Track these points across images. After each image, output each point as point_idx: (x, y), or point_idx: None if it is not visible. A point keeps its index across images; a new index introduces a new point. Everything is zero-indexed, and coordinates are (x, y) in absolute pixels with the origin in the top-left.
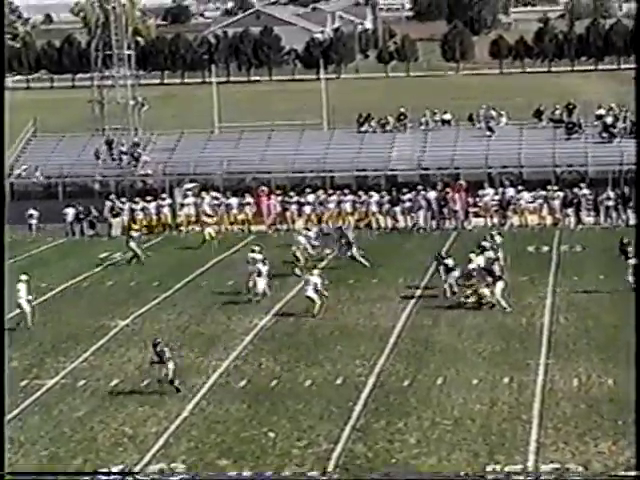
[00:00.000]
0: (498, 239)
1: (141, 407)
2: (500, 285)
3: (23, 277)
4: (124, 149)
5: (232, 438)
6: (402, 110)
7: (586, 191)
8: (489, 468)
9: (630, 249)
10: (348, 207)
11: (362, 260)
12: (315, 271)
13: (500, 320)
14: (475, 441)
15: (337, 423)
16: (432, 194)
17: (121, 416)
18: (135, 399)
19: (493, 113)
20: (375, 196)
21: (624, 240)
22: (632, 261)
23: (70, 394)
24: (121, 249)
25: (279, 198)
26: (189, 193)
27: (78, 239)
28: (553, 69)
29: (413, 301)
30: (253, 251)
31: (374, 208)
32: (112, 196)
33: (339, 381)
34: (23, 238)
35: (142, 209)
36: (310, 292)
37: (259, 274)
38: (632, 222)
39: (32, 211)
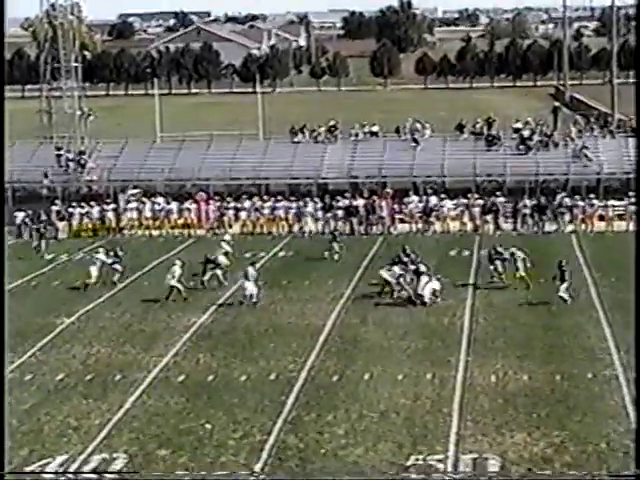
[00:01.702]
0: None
1: (85, 400)
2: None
3: None
4: (70, 156)
5: (171, 429)
6: (333, 122)
7: (503, 199)
8: (412, 458)
9: (566, 269)
10: (281, 213)
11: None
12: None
13: (423, 320)
14: (399, 433)
15: (270, 416)
16: (360, 201)
17: (66, 408)
18: (79, 392)
19: (418, 126)
20: (310, 204)
21: (562, 262)
22: (565, 285)
23: (17, 387)
24: (67, 251)
25: (217, 204)
26: (132, 198)
27: (27, 241)
28: (474, 85)
29: (342, 301)
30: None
31: (308, 212)
32: (58, 201)
33: (272, 376)
34: None
35: (87, 213)
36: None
37: (247, 277)
38: (547, 229)
39: None
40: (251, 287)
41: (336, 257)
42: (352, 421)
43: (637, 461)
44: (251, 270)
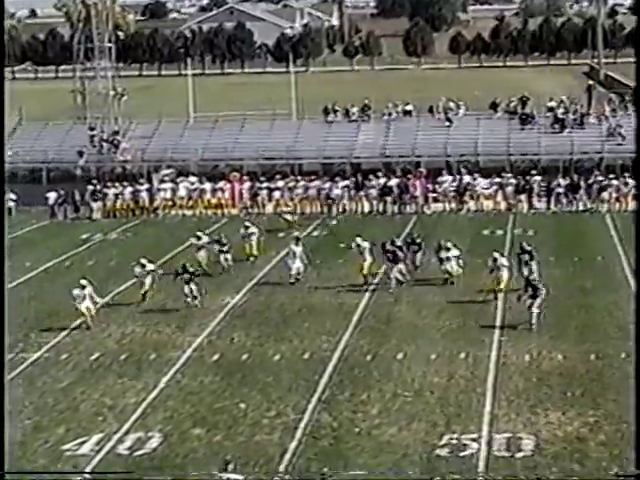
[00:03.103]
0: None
1: (120, 379)
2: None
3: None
4: (104, 137)
5: (206, 408)
6: (366, 101)
7: (538, 178)
8: (446, 437)
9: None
10: (314, 192)
11: None
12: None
13: (458, 299)
14: (433, 412)
15: (304, 395)
16: (394, 180)
17: (101, 387)
18: (114, 372)
19: (452, 105)
20: (341, 182)
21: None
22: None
23: (53, 367)
24: (102, 231)
25: (250, 184)
26: (166, 178)
27: (61, 221)
28: (508, 64)
29: (376, 280)
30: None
31: (339, 193)
32: (94, 181)
33: (306, 355)
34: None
35: (121, 193)
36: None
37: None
38: (581, 208)
39: (11, 195)
40: (297, 264)
41: None
42: (386, 400)
43: (637, 461)
44: (296, 247)
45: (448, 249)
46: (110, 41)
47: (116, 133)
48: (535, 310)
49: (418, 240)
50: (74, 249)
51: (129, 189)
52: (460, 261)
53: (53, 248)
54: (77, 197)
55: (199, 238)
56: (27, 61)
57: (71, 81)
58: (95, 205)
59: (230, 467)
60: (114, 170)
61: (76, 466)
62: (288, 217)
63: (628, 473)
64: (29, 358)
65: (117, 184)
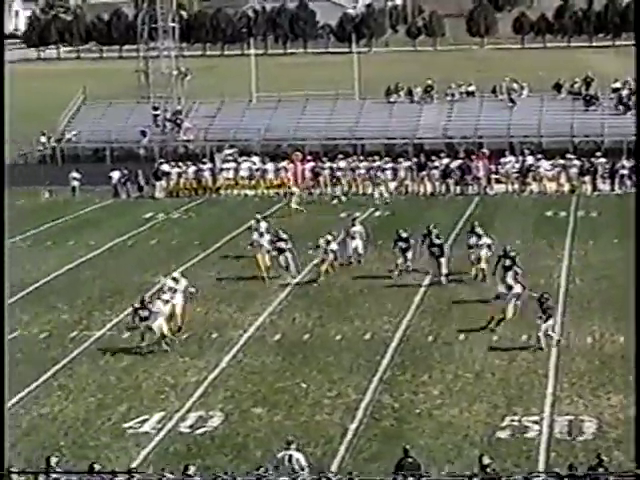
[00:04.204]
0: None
1: (182, 358)
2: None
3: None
4: (167, 116)
5: (267, 388)
6: (429, 82)
7: (602, 160)
8: (507, 419)
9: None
10: (377, 173)
11: None
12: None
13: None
14: (495, 393)
15: (365, 375)
16: (456, 161)
17: (163, 366)
18: (176, 350)
19: (515, 85)
20: (404, 162)
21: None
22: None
23: (116, 345)
24: (164, 210)
25: (312, 164)
26: (229, 158)
27: (124, 200)
28: (572, 44)
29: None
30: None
31: (402, 174)
32: (161, 160)
33: (367, 336)
34: (69, 199)
35: (184, 173)
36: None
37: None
38: None
39: (75, 174)
40: (356, 244)
41: None
42: (447, 381)
43: (637, 461)
44: (357, 228)
45: (479, 236)
46: (174, 21)
47: (179, 113)
48: (552, 334)
49: (404, 235)
50: (137, 228)
51: (192, 168)
52: (490, 251)
53: (116, 227)
54: (140, 176)
55: (258, 221)
56: (91, 41)
57: (135, 61)
58: (158, 184)
59: (292, 447)
60: (177, 149)
61: (138, 444)
62: (294, 204)
63: (628, 473)
64: (92, 336)
65: (180, 163)
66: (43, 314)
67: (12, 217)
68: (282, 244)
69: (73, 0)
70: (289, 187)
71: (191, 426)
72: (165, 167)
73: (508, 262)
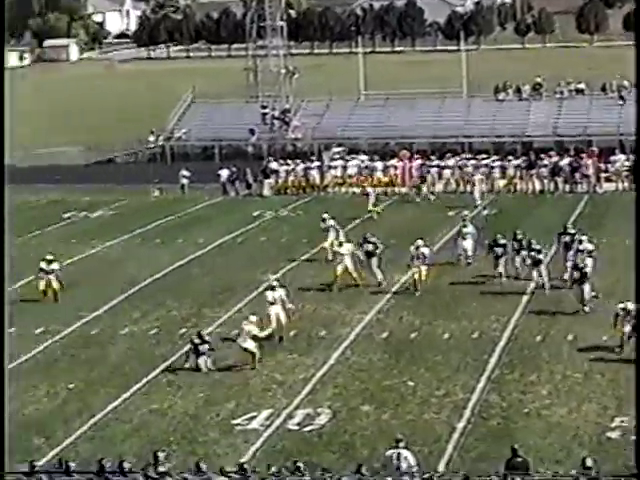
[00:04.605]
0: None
1: (290, 355)
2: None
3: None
4: (276, 114)
5: (374, 386)
6: (538, 79)
7: None
8: (617, 420)
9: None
10: (485, 171)
11: None
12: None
13: (629, 283)
14: (604, 394)
15: (473, 374)
16: (565, 160)
17: (271, 363)
18: (284, 348)
19: (626, 83)
20: (514, 160)
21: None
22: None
23: (225, 342)
24: (272, 208)
25: (420, 162)
26: (336, 156)
27: (233, 198)
28: None
29: (546, 260)
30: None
31: (511, 172)
32: (269, 158)
33: (475, 335)
34: (179, 197)
35: (292, 171)
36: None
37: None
38: None
39: (184, 172)
40: (467, 245)
41: None
42: (555, 381)
43: (637, 461)
44: (468, 229)
45: (418, 247)
46: (282, 19)
47: (287, 111)
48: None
49: (502, 241)
50: (246, 226)
51: (300, 166)
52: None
53: (225, 225)
54: (249, 174)
55: (324, 220)
56: (201, 40)
57: (244, 59)
58: (266, 182)
59: (401, 444)
60: (285, 147)
61: (247, 440)
62: (371, 207)
63: (628, 473)
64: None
65: (289, 161)
66: (153, 311)
67: (121, 215)
68: (370, 247)
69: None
70: (364, 188)
71: (299, 423)
72: (273, 165)
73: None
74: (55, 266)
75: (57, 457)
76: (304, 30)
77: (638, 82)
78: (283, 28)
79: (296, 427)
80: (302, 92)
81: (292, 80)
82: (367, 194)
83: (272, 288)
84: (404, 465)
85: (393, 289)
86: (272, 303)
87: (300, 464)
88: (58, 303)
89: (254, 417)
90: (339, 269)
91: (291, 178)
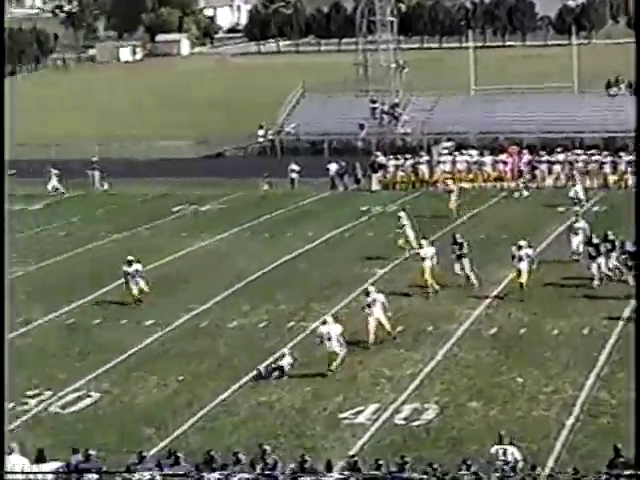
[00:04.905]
0: None
1: (397, 350)
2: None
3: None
4: (385, 109)
5: (483, 382)
6: None
7: None
8: None
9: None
10: (595, 167)
11: None
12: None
13: None
14: None
15: (582, 371)
16: None
17: (379, 358)
18: (392, 343)
19: None
20: (626, 156)
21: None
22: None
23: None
24: (381, 202)
25: (529, 157)
26: (445, 151)
27: (341, 193)
28: None
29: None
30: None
31: (622, 168)
32: (377, 152)
33: (585, 331)
34: (288, 191)
35: (401, 165)
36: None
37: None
38: None
39: (294, 166)
40: (577, 240)
41: None
42: None
43: (637, 461)
44: (580, 224)
45: (520, 247)
46: (392, 14)
47: (397, 105)
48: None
49: (595, 241)
50: (354, 220)
51: (410, 161)
52: (533, 264)
53: (334, 219)
54: (357, 169)
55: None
56: (310, 34)
57: (353, 54)
58: (374, 177)
59: (506, 440)
60: (394, 142)
61: (354, 435)
62: (452, 204)
63: (628, 473)
64: (308, 327)
65: (398, 156)
66: (261, 304)
67: (230, 209)
68: (456, 249)
69: None
70: (447, 184)
71: (406, 418)
72: (381, 159)
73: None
74: (137, 267)
75: (167, 448)
76: (414, 24)
77: (638, 82)
78: (393, 23)
79: (403, 422)
80: (412, 87)
81: (402, 75)
82: (450, 191)
83: (367, 293)
84: (509, 458)
85: (501, 285)
86: (369, 307)
87: (407, 459)
88: (142, 303)
89: (361, 411)
90: (423, 273)
91: (400, 173)
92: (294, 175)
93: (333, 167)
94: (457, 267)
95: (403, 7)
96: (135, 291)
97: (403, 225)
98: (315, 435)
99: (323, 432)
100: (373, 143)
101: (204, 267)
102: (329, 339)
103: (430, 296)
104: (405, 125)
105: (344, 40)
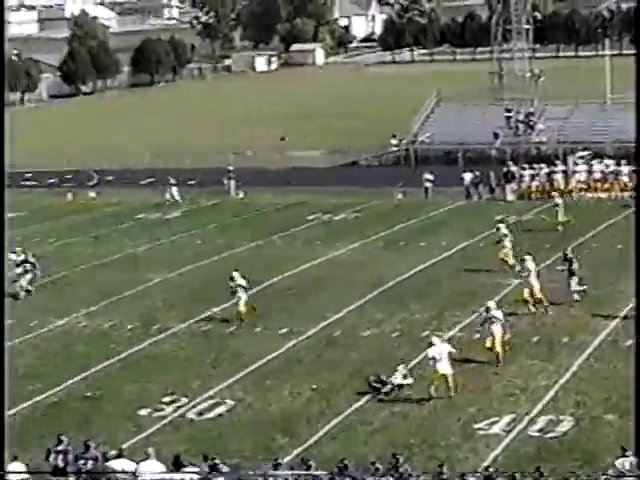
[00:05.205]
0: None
1: (531, 361)
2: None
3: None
4: (520, 118)
5: (618, 394)
6: None
7: None
8: None
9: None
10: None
11: None
12: None
13: None
14: None
15: None
16: None
17: (513, 369)
18: (526, 353)
19: None
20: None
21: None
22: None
23: (465, 346)
24: (516, 212)
25: None
26: (581, 160)
27: (476, 202)
28: None
29: None
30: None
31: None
32: (510, 162)
33: None
34: (422, 201)
35: (536, 175)
36: None
37: None
38: None
39: (428, 175)
40: None
41: None
42: None
43: (637, 454)
44: None
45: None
46: (528, 22)
47: (531, 114)
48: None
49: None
50: (488, 230)
51: (545, 170)
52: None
53: (468, 228)
54: (492, 178)
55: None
56: (445, 43)
57: (488, 63)
58: (508, 187)
59: (628, 453)
60: (529, 151)
61: (488, 445)
62: (560, 217)
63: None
64: (444, 336)
65: (534, 165)
66: (396, 313)
67: (365, 218)
68: (566, 265)
69: (427, 3)
70: (553, 197)
71: (541, 430)
72: (513, 169)
73: None
74: (241, 282)
75: (300, 456)
76: (549, 33)
77: (638, 87)
78: (529, 31)
79: (537, 433)
80: (547, 95)
81: (537, 83)
82: (557, 205)
83: (487, 309)
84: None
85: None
86: (492, 322)
87: (543, 470)
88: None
89: (496, 422)
90: (526, 292)
91: (535, 183)
92: (428, 184)
93: (468, 176)
94: (572, 283)
95: (539, 15)
96: (242, 307)
97: (505, 235)
98: (449, 445)
99: (457, 442)
100: (508, 152)
101: (338, 276)
102: (440, 360)
103: (538, 312)
104: (540, 134)
105: (479, 49)
